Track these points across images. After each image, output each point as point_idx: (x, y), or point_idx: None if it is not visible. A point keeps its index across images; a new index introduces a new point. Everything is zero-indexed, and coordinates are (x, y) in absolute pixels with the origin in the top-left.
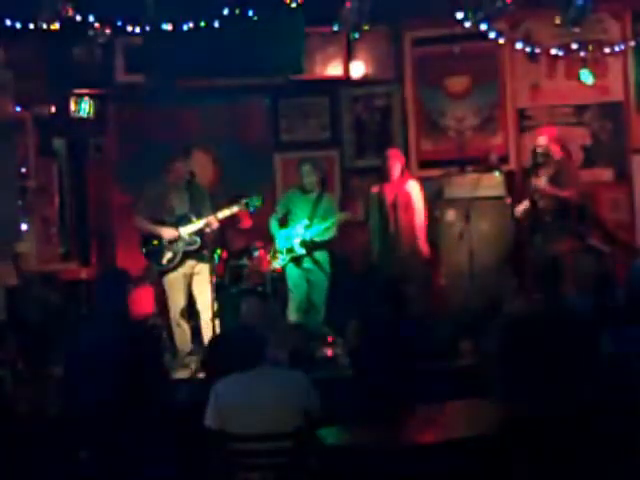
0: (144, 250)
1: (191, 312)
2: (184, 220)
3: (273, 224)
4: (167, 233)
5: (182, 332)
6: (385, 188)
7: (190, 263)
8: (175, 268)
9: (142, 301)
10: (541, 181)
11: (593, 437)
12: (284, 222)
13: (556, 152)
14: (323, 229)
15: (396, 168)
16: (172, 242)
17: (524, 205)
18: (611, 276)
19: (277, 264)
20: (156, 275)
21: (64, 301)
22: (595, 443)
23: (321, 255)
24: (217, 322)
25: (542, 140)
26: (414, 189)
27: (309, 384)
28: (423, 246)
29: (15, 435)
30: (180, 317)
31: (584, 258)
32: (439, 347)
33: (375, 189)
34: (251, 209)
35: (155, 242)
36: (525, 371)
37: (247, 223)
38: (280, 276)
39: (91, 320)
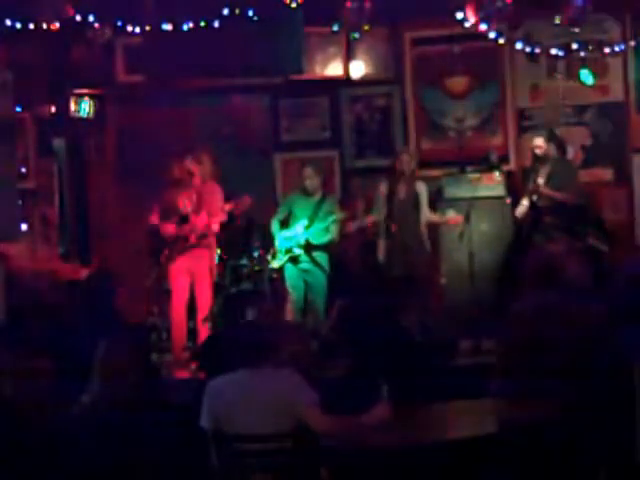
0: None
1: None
2: (186, 220)
3: (274, 225)
4: (169, 230)
5: (180, 330)
6: (394, 186)
7: (191, 261)
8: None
9: (142, 301)
10: (539, 182)
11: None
12: (285, 224)
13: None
14: (322, 229)
15: (407, 167)
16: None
17: (523, 207)
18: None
19: (275, 264)
20: (156, 275)
21: (63, 301)
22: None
23: (320, 256)
24: (215, 322)
25: (539, 141)
26: (422, 189)
27: (300, 380)
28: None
29: (15, 435)
30: (181, 312)
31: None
32: (439, 346)
33: (384, 187)
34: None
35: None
36: (527, 370)
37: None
38: (279, 276)
39: (86, 321)
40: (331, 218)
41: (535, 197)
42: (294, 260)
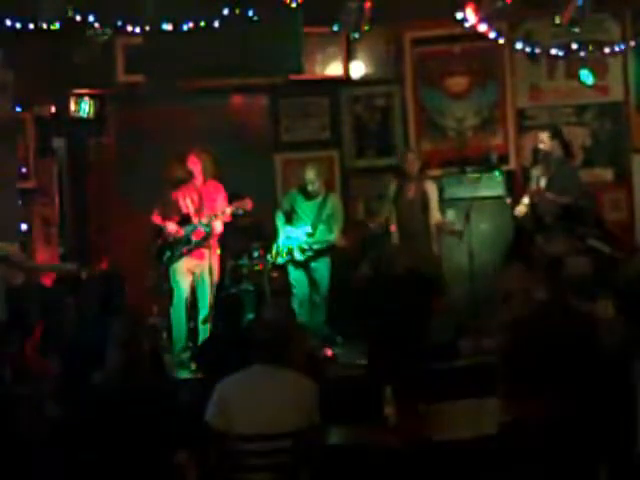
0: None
1: (191, 312)
2: (188, 220)
3: (279, 218)
4: (171, 229)
5: (180, 330)
6: (403, 186)
7: (193, 261)
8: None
9: (142, 301)
10: (540, 184)
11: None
12: (289, 218)
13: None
14: (326, 230)
15: (413, 166)
16: (175, 240)
17: (523, 206)
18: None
19: (279, 261)
20: (157, 275)
21: (63, 301)
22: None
23: (322, 261)
24: (214, 322)
25: (543, 135)
26: (431, 188)
27: (317, 393)
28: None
29: (15, 435)
30: (181, 312)
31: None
32: (439, 347)
33: (393, 186)
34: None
35: (160, 240)
36: (527, 371)
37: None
38: (279, 275)
39: (89, 320)
40: (335, 220)
41: (537, 199)
42: (295, 263)
